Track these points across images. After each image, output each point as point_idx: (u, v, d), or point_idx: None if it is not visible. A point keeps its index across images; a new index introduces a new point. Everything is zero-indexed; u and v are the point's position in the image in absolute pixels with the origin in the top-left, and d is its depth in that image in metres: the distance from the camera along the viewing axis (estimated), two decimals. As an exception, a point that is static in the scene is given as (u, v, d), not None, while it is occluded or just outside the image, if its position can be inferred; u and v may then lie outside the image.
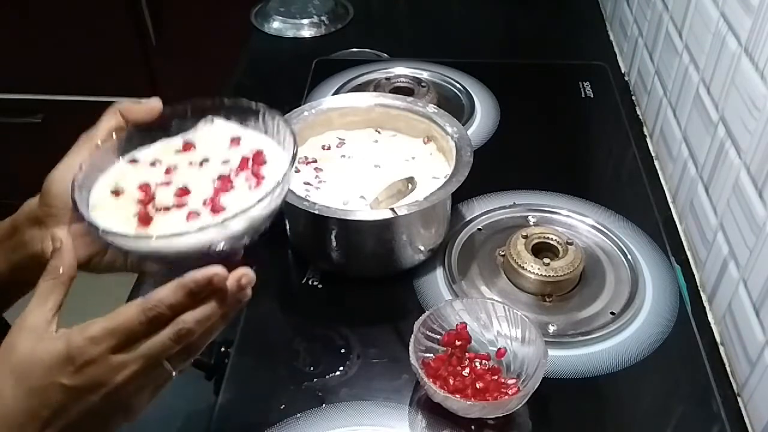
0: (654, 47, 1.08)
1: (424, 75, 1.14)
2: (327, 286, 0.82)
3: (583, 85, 1.16)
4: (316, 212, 0.76)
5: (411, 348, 0.67)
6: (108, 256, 0.61)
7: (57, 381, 0.48)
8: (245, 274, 0.51)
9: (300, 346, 0.76)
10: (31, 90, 1.92)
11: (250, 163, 0.58)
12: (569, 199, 0.92)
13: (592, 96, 1.14)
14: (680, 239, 0.91)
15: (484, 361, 0.71)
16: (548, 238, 0.82)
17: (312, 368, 0.73)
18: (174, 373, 0.51)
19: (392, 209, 0.76)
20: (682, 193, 0.93)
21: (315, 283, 0.83)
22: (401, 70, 1.15)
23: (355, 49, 1.30)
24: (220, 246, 0.52)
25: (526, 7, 1.44)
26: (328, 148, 0.90)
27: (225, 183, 0.57)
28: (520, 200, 0.92)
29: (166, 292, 0.49)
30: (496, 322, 0.72)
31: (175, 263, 0.52)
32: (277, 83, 1.20)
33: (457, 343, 0.71)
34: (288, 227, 0.85)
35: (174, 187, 0.57)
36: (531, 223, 0.89)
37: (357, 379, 0.72)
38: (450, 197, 0.82)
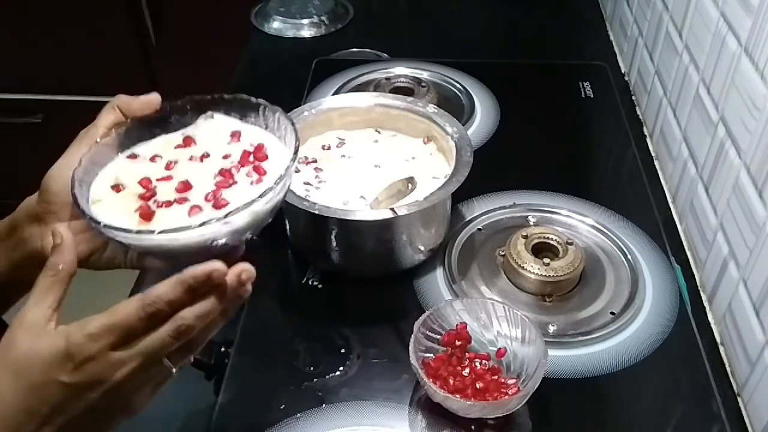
0: (654, 47, 1.08)
1: (424, 75, 1.14)
2: (327, 286, 0.82)
3: (583, 85, 1.16)
4: (316, 212, 0.76)
5: (411, 348, 0.67)
6: (108, 252, 0.61)
7: (56, 378, 0.48)
8: (245, 269, 0.51)
9: (300, 346, 0.76)
10: (31, 90, 1.92)
11: (252, 157, 0.59)
12: (569, 199, 0.92)
13: (592, 96, 1.14)
14: (680, 239, 0.91)
15: (484, 361, 0.71)
16: (548, 238, 0.82)
17: (312, 368, 0.73)
18: (174, 370, 0.51)
19: (392, 209, 0.76)
20: (682, 193, 0.93)
21: (315, 283, 0.83)
22: (401, 70, 1.15)
23: (355, 49, 1.30)
24: (222, 241, 0.52)
25: (526, 7, 1.44)
26: (328, 148, 0.90)
27: (226, 178, 0.57)
28: (520, 200, 0.92)
29: (164, 288, 0.48)
30: (496, 322, 0.72)
31: (177, 259, 0.52)
32: (277, 83, 1.20)
33: (457, 343, 0.71)
34: (288, 227, 0.85)
35: (175, 182, 0.57)
36: (531, 223, 0.89)
37: (357, 379, 0.72)
38: (450, 197, 0.82)
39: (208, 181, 0.57)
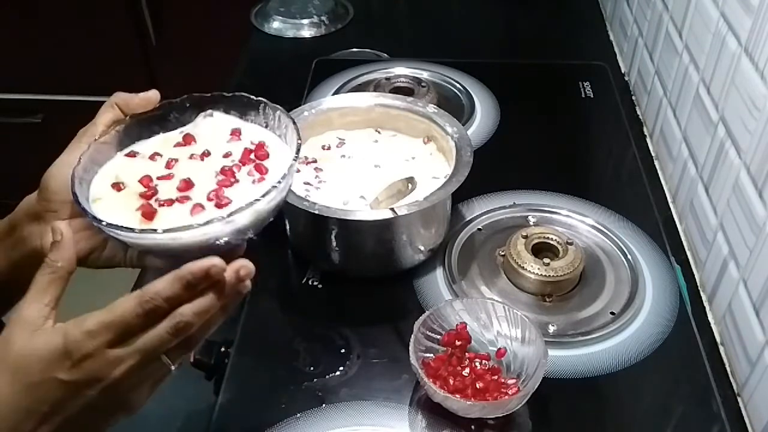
0: (654, 47, 1.08)
1: (424, 75, 1.14)
2: (327, 286, 0.82)
3: (583, 85, 1.15)
4: (316, 212, 0.76)
5: (411, 348, 0.67)
6: (107, 250, 0.60)
7: (54, 376, 0.48)
8: (244, 265, 0.50)
9: (300, 346, 0.76)
10: (31, 90, 1.92)
11: (253, 155, 0.58)
12: (569, 199, 0.92)
13: (592, 96, 1.14)
14: (680, 239, 0.91)
15: (484, 361, 0.71)
16: (548, 238, 0.82)
17: (312, 368, 0.73)
18: (173, 368, 0.51)
19: (392, 209, 0.76)
20: (682, 193, 0.93)
21: (315, 283, 0.83)
22: (401, 70, 1.15)
23: (355, 49, 1.30)
24: (225, 240, 0.52)
25: (526, 7, 1.44)
26: (328, 148, 0.90)
27: (228, 176, 0.57)
28: (520, 200, 0.92)
29: (162, 285, 0.48)
30: (496, 322, 0.72)
31: (177, 257, 0.52)
32: (277, 83, 1.20)
33: (457, 343, 0.71)
34: (288, 227, 0.85)
35: (176, 181, 0.57)
36: (531, 223, 0.89)
37: (357, 379, 0.72)
38: (450, 197, 0.82)
39: (210, 180, 0.57)
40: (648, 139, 1.09)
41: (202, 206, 0.54)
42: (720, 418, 0.69)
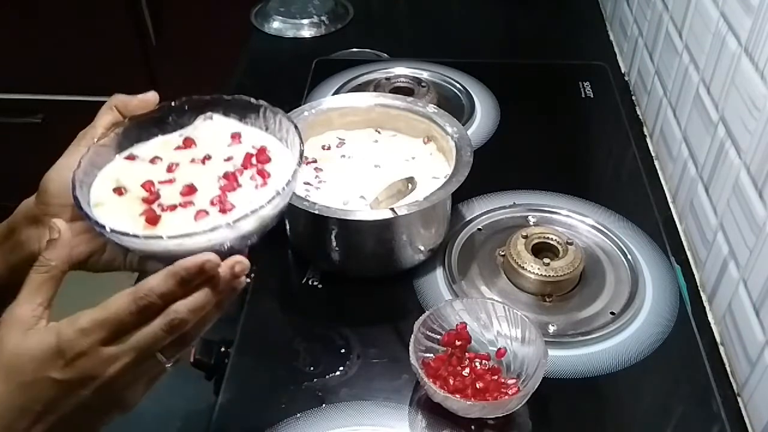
0: (654, 47, 1.08)
1: (424, 75, 1.14)
2: (327, 286, 0.82)
3: (583, 85, 1.15)
4: (316, 212, 0.76)
5: (411, 348, 0.67)
6: (107, 254, 0.60)
7: (47, 375, 0.47)
8: (239, 261, 0.50)
9: (300, 346, 0.76)
10: (31, 90, 1.92)
11: (254, 160, 0.58)
12: (569, 199, 0.92)
13: (592, 96, 1.14)
14: (680, 239, 0.91)
15: (484, 361, 0.71)
16: (548, 238, 0.82)
17: (312, 368, 0.73)
18: (168, 366, 0.50)
19: (392, 209, 0.76)
20: (682, 193, 0.93)
21: (315, 283, 0.83)
22: (401, 70, 1.15)
23: (355, 49, 1.30)
24: (228, 245, 0.52)
25: (526, 7, 1.44)
26: (328, 148, 0.90)
27: (231, 181, 0.57)
28: (520, 200, 0.92)
29: (156, 281, 0.48)
30: (496, 322, 0.72)
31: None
32: (277, 83, 1.20)
33: (457, 343, 0.71)
34: (288, 227, 0.85)
35: (178, 185, 0.57)
36: (531, 223, 0.89)
37: (357, 379, 0.72)
38: (450, 197, 0.82)
39: (212, 185, 0.57)
40: (648, 139, 1.09)
41: (206, 212, 0.54)
42: (720, 418, 0.69)
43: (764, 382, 0.68)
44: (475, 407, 0.66)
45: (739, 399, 0.73)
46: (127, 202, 0.56)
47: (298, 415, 0.69)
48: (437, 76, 1.15)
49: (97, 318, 0.47)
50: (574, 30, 1.38)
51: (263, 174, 0.57)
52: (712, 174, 0.83)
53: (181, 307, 0.48)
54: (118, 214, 0.55)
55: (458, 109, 1.09)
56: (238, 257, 0.50)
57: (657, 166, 1.03)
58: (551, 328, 0.76)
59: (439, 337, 0.71)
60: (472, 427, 0.67)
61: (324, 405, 0.70)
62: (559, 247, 0.81)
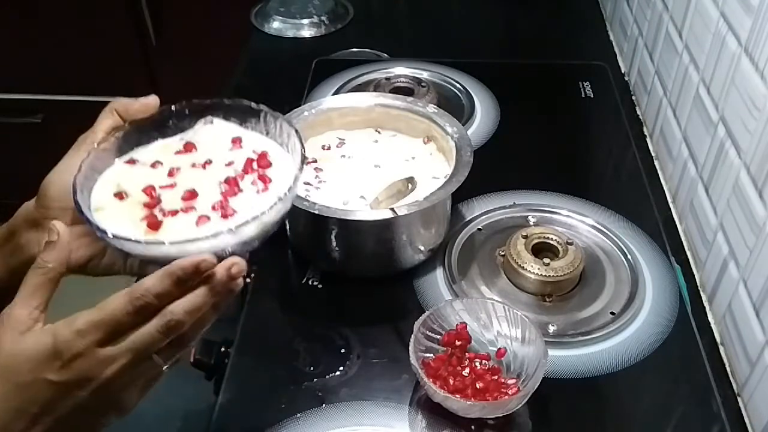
0: (654, 47, 1.08)
1: (424, 75, 1.14)
2: (327, 286, 0.82)
3: (583, 85, 1.16)
4: (316, 212, 0.76)
5: (411, 348, 0.67)
6: (106, 258, 0.60)
7: (44, 377, 0.47)
8: (235, 262, 0.50)
9: (300, 346, 0.76)
10: (31, 90, 1.92)
11: (255, 164, 0.58)
12: (569, 199, 0.92)
13: (592, 96, 1.14)
14: (680, 239, 0.91)
15: (484, 361, 0.71)
16: (548, 238, 0.82)
17: (312, 368, 0.73)
18: (165, 367, 0.50)
19: (392, 209, 0.76)
20: (682, 193, 0.93)
21: (315, 283, 0.83)
22: (401, 70, 1.15)
23: (355, 49, 1.30)
24: (230, 250, 0.52)
25: (526, 7, 1.44)
26: (328, 148, 0.90)
27: (232, 186, 0.56)
28: (520, 200, 0.92)
29: (152, 281, 0.48)
30: (496, 322, 0.72)
31: None
32: (277, 83, 1.20)
33: (457, 343, 0.71)
34: (288, 227, 0.85)
35: (179, 190, 0.56)
36: (531, 223, 0.89)
37: (357, 379, 0.72)
38: (450, 197, 0.82)
39: (213, 189, 0.56)
40: (648, 139, 1.09)
41: (207, 217, 0.54)
42: (720, 418, 0.69)
43: (764, 382, 0.68)
44: (475, 407, 0.66)
45: (739, 399, 0.73)
46: (127, 206, 0.56)
47: (298, 415, 0.69)
48: (437, 76, 1.15)
49: (93, 319, 0.47)
50: (574, 30, 1.38)
51: (264, 179, 0.57)
52: (712, 174, 0.83)
53: (178, 308, 0.48)
54: (118, 218, 0.54)
55: (458, 109, 1.09)
56: (235, 258, 0.50)
57: (657, 166, 1.03)
58: (551, 328, 0.76)
59: (439, 337, 0.71)
60: (472, 427, 0.67)
61: (324, 405, 0.70)
62: (559, 247, 0.81)
